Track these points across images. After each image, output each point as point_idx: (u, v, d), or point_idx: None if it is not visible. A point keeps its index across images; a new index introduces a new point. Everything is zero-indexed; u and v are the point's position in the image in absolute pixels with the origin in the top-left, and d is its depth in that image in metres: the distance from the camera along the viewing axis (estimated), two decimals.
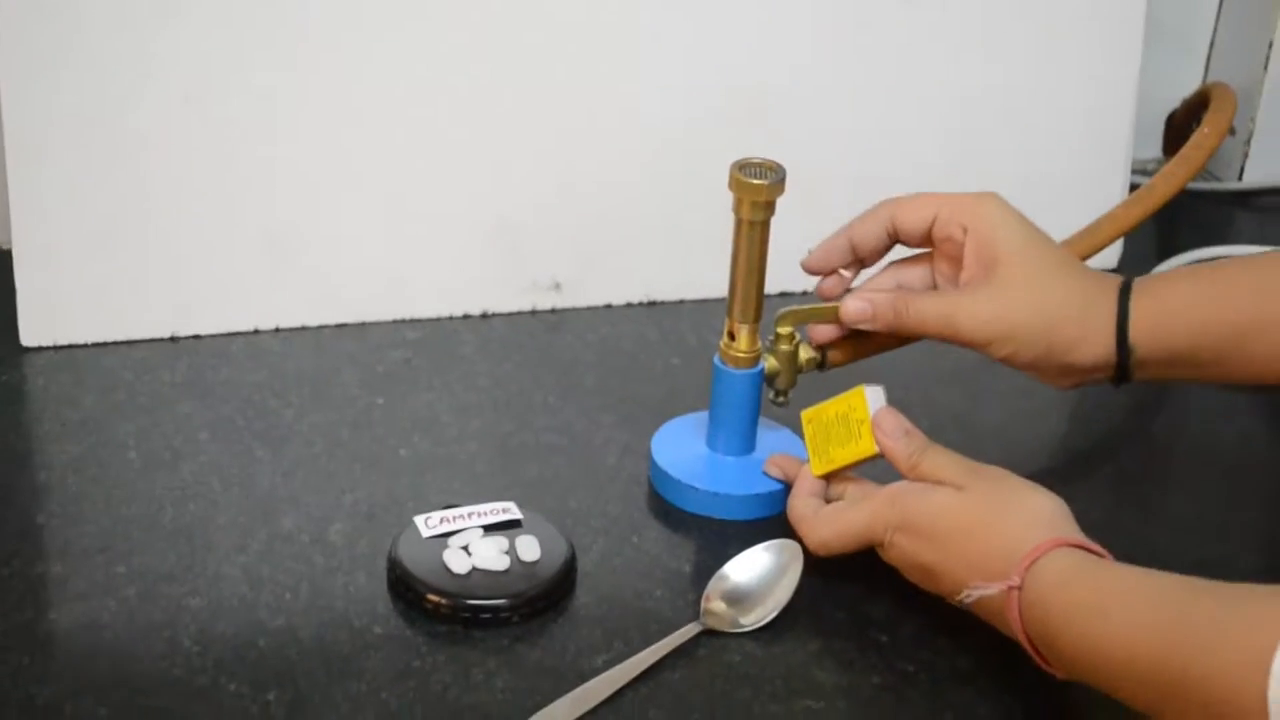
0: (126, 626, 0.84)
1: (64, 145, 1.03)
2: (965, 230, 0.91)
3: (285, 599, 0.86)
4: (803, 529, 0.89)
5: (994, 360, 0.91)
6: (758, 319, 0.94)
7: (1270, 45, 1.32)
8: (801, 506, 0.90)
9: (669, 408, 1.01)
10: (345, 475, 0.96)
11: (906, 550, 0.85)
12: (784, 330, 0.96)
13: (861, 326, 0.93)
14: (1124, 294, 0.90)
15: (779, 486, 0.95)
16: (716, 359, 0.95)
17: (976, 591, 0.80)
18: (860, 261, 0.94)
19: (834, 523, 0.88)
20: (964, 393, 1.08)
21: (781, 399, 0.97)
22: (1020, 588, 0.79)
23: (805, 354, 0.97)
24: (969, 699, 0.82)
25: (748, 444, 0.97)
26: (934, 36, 1.15)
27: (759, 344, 0.95)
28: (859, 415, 0.89)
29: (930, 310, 0.91)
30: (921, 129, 1.17)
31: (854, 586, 0.89)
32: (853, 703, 0.82)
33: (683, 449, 0.97)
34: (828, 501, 0.91)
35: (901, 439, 0.87)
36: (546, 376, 1.07)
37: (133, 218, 1.06)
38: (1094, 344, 0.89)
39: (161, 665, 0.82)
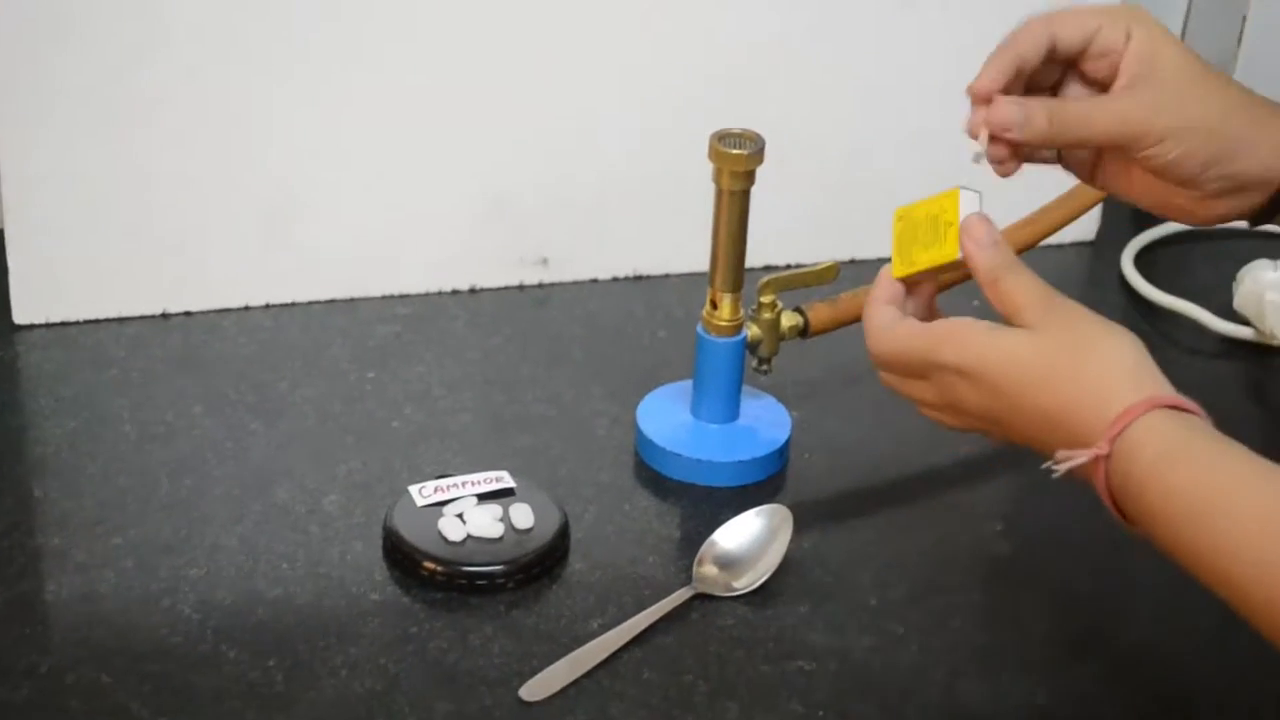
0: (125, 596, 0.86)
1: (56, 124, 1.04)
2: (1129, 36, 0.82)
3: (282, 568, 0.88)
4: (868, 338, 0.81)
5: (1154, 166, 0.82)
6: (739, 288, 0.96)
7: (1244, 20, 1.34)
8: (873, 313, 0.82)
9: (656, 379, 1.02)
10: (339, 447, 0.97)
11: (967, 398, 0.77)
12: (766, 299, 0.98)
13: (1009, 136, 0.82)
14: None
15: (763, 453, 0.96)
16: (699, 328, 0.96)
17: (1065, 464, 0.72)
18: (1023, 84, 0.84)
19: (895, 339, 0.80)
20: None
21: (764, 367, 0.99)
22: (1109, 456, 0.72)
23: (787, 322, 0.98)
24: (959, 661, 0.84)
25: (731, 411, 0.98)
26: (915, 12, 1.16)
27: (741, 312, 0.96)
28: (948, 218, 0.83)
29: (1095, 111, 0.82)
30: (901, 103, 1.18)
31: (843, 550, 0.90)
32: (843, 664, 0.83)
33: (668, 418, 0.99)
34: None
35: (988, 248, 0.80)
36: (535, 350, 1.08)
37: (124, 195, 1.06)
38: (1265, 151, 0.82)
39: (162, 633, 0.83)
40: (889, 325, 0.80)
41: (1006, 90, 0.83)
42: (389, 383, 1.04)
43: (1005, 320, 0.78)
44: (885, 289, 0.82)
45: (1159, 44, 0.82)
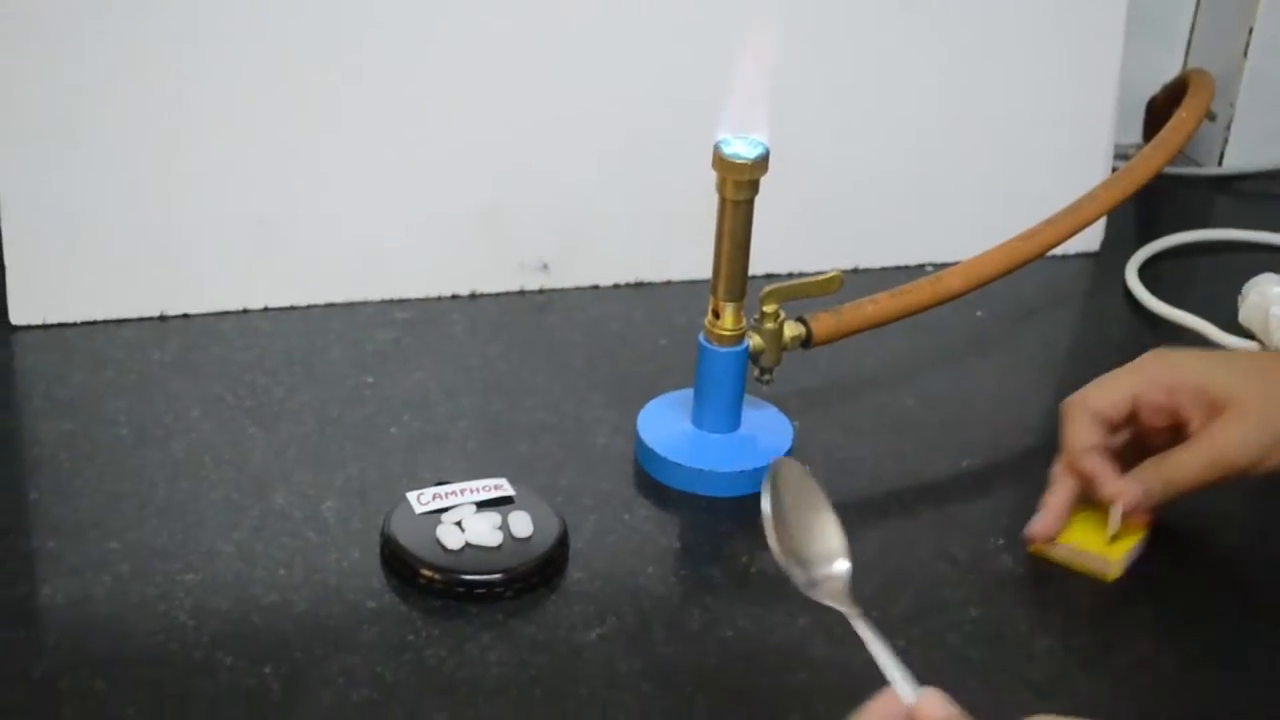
0: (121, 602, 0.85)
1: (52, 124, 1.03)
2: (1169, 390, 0.90)
3: (279, 574, 0.87)
4: None
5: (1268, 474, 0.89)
6: (742, 297, 0.95)
7: (1250, 32, 1.34)
8: None
9: (657, 387, 1.01)
10: (337, 453, 0.97)
11: None
12: (769, 309, 0.97)
13: (1137, 513, 0.90)
14: None
15: (764, 463, 0.95)
16: (701, 337, 0.96)
17: None
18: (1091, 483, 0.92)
19: None
20: (953, 373, 1.09)
21: (767, 377, 0.98)
22: None
23: (790, 332, 0.98)
24: (961, 675, 0.83)
25: (733, 421, 0.97)
26: (915, 20, 1.16)
27: (744, 322, 0.96)
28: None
29: (1194, 461, 0.89)
30: (906, 115, 1.18)
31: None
32: (844, 677, 0.83)
33: (669, 426, 0.98)
34: None
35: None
36: (535, 356, 1.07)
37: (122, 197, 1.06)
38: None
39: (157, 639, 0.82)
40: None
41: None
42: (388, 388, 1.03)
43: None
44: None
45: (1204, 380, 0.89)
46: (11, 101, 1.02)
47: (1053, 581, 0.90)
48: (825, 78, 1.15)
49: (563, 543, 0.88)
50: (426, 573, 0.86)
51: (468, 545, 0.87)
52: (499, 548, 0.87)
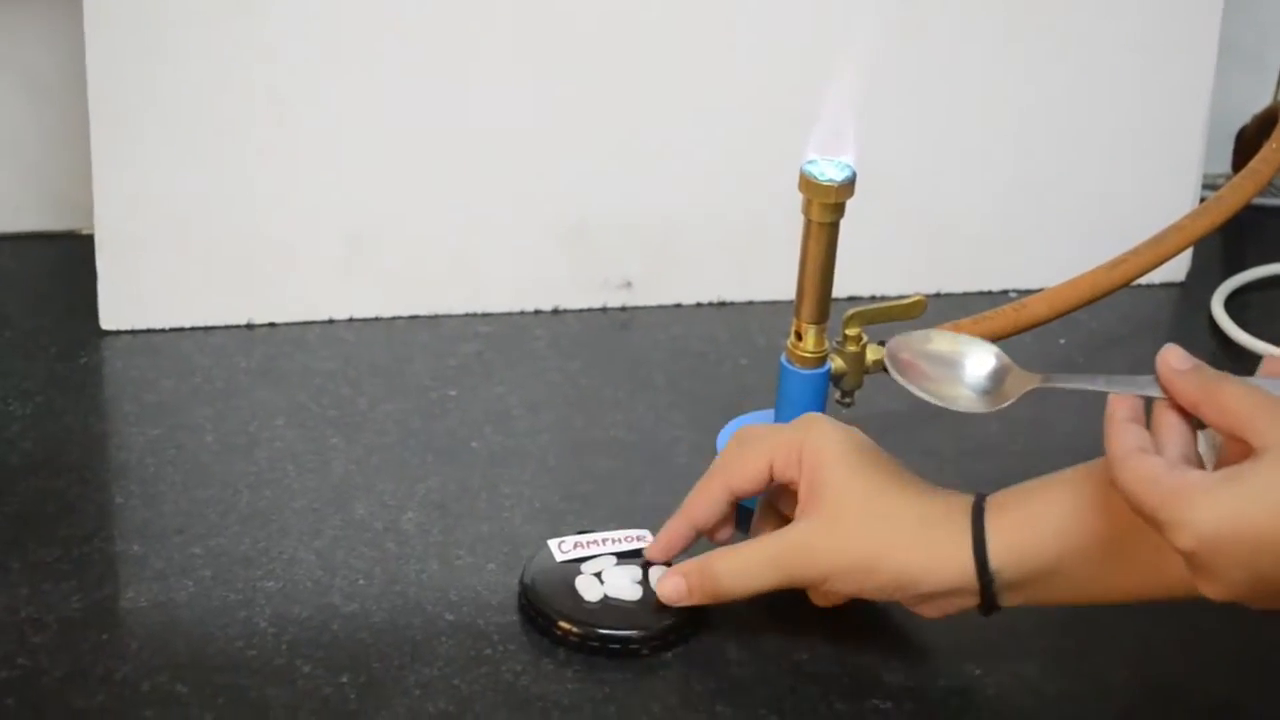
0: (203, 607, 0.86)
1: (148, 134, 1.05)
2: (800, 464, 0.84)
3: (359, 584, 0.88)
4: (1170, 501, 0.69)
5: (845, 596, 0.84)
6: (825, 319, 0.95)
7: None
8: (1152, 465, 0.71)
9: (738, 407, 1.02)
10: (418, 465, 0.97)
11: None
12: (852, 331, 0.97)
13: (678, 604, 0.85)
14: (977, 513, 0.81)
15: None
16: (783, 358, 0.96)
17: None
18: (711, 533, 0.87)
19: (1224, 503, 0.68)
20: (1035, 400, 1.08)
21: (848, 400, 0.98)
22: None
23: (873, 355, 0.97)
24: (1039, 707, 0.83)
25: None
26: (1008, 48, 1.16)
27: (826, 344, 0.96)
28: None
29: (749, 560, 0.83)
30: (993, 140, 1.17)
31: None
32: (920, 704, 0.83)
33: None
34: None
35: (1190, 371, 0.73)
36: (617, 373, 1.08)
37: (213, 207, 1.07)
38: (945, 568, 0.81)
39: (237, 645, 0.83)
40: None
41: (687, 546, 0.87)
42: (469, 401, 1.04)
43: (1228, 437, 0.71)
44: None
45: (824, 468, 0.83)
46: (108, 108, 1.04)
47: (1129, 613, 0.89)
48: (913, 102, 1.14)
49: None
50: (564, 625, 0.85)
51: (606, 597, 0.86)
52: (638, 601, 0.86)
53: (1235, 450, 0.69)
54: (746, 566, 0.83)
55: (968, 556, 0.80)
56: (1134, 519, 0.70)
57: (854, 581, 0.82)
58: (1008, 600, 0.81)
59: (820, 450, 0.84)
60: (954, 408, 0.80)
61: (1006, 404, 0.80)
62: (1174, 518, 0.67)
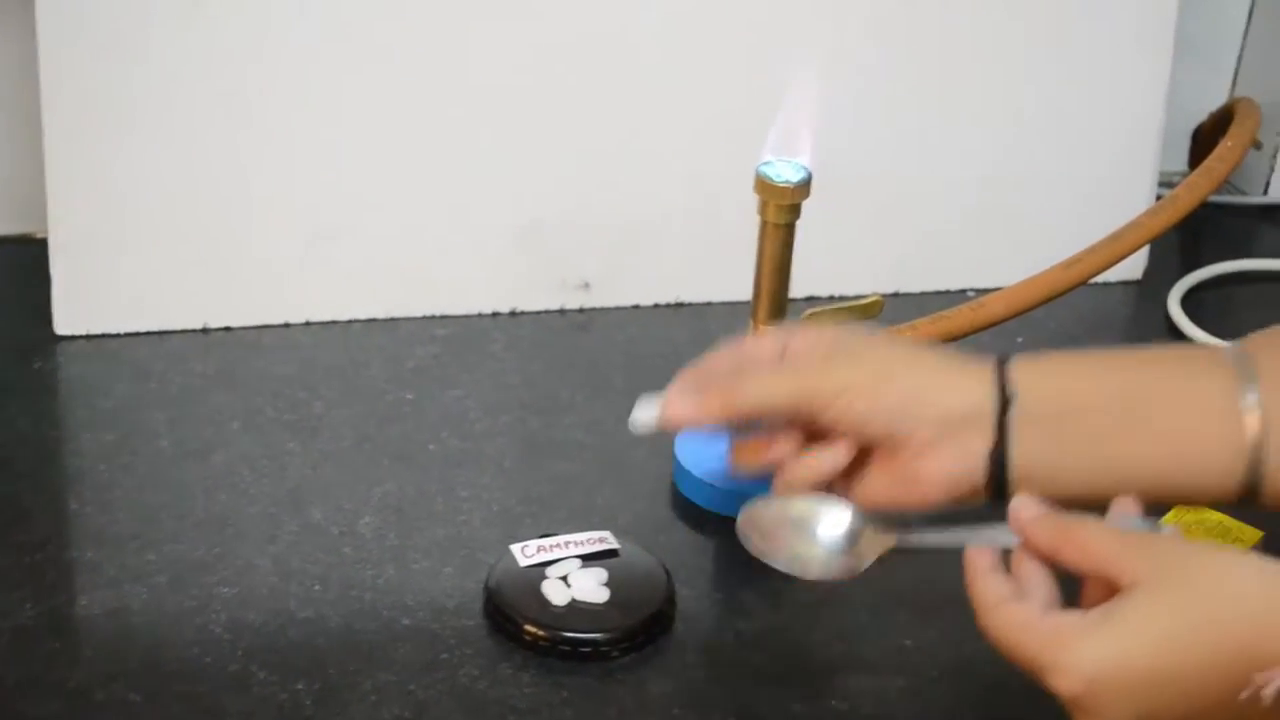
0: (158, 613, 0.85)
1: (103, 136, 1.04)
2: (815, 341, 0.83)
3: (315, 590, 0.87)
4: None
5: (842, 427, 0.80)
6: (782, 320, 0.95)
7: None
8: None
9: None
10: (374, 469, 0.97)
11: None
12: None
13: (687, 428, 0.84)
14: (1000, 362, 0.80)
15: None
16: None
17: (1272, 686, 0.64)
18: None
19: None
20: None
21: None
22: None
23: None
24: (993, 707, 0.83)
25: None
26: (965, 47, 1.16)
27: None
28: None
29: (769, 376, 0.82)
30: (950, 140, 1.18)
31: (879, 589, 0.89)
32: (878, 705, 0.83)
33: (706, 448, 0.98)
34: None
35: (1041, 519, 0.73)
36: (574, 375, 1.07)
37: (167, 210, 1.06)
38: (961, 385, 0.79)
39: (193, 652, 0.83)
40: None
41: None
42: (426, 404, 1.03)
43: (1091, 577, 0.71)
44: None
45: (845, 333, 0.82)
46: (62, 110, 1.03)
47: None
48: (868, 102, 1.14)
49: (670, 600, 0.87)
50: (533, 630, 0.84)
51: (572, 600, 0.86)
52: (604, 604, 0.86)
53: (1097, 590, 0.70)
54: (764, 376, 0.81)
55: (987, 376, 0.79)
56: (1160, 382, 0.73)
57: (867, 396, 0.79)
58: (1023, 450, 0.78)
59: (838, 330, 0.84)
60: (806, 575, 0.79)
61: (864, 567, 0.78)
62: (1055, 661, 0.67)
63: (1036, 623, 0.69)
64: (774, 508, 0.82)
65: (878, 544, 0.79)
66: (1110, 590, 0.68)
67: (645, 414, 0.84)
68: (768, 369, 0.82)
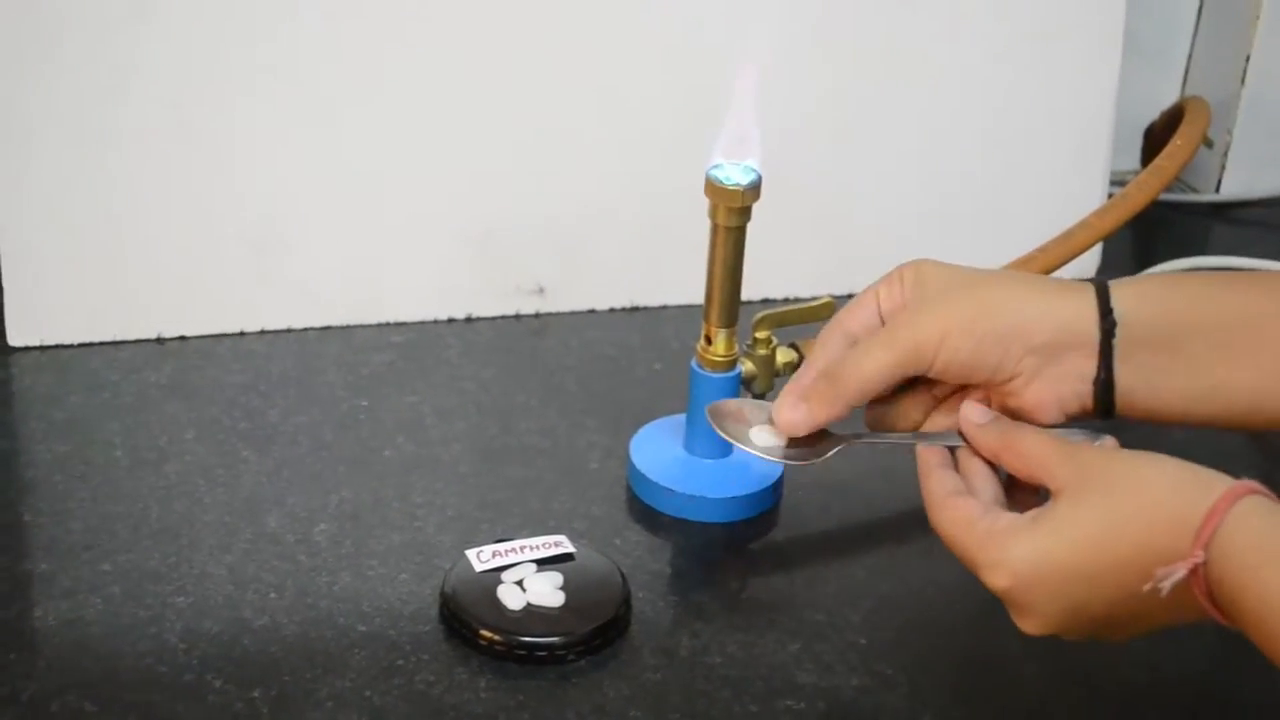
0: (112, 623, 0.85)
1: (50, 146, 1.04)
2: (901, 280, 0.83)
3: (270, 598, 0.87)
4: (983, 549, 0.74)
5: (953, 370, 0.80)
6: (734, 323, 0.95)
7: (1247, 59, 1.34)
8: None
9: (651, 411, 1.02)
10: (330, 476, 0.97)
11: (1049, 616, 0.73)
12: (761, 334, 0.97)
13: (801, 433, 0.83)
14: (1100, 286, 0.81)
15: (755, 489, 0.96)
16: (693, 362, 0.96)
17: (1167, 580, 0.68)
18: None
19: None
20: None
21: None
22: (1205, 562, 0.67)
23: (782, 358, 0.98)
24: (947, 703, 0.83)
25: (724, 447, 0.97)
26: (913, 48, 1.16)
27: (736, 348, 0.96)
28: None
29: (864, 349, 0.81)
30: (900, 140, 1.18)
31: (834, 589, 0.90)
32: (833, 704, 0.83)
33: (662, 452, 0.98)
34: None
35: (989, 424, 0.79)
36: (530, 380, 1.07)
37: (119, 220, 1.06)
38: (1064, 309, 0.79)
39: (147, 662, 0.83)
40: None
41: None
42: (382, 411, 1.03)
43: (1027, 480, 0.76)
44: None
45: (924, 268, 0.82)
46: (5, 120, 1.03)
47: None
48: (818, 104, 1.15)
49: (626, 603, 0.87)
50: (488, 634, 0.84)
51: (528, 605, 0.86)
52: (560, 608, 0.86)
53: (1032, 494, 0.76)
54: (861, 356, 0.81)
55: (1089, 297, 0.79)
56: (1258, 305, 0.77)
57: (971, 332, 0.78)
58: (1126, 372, 0.79)
59: (921, 264, 0.83)
60: (769, 458, 0.84)
61: (821, 459, 0.83)
62: (988, 559, 0.73)
63: (979, 520, 0.74)
64: (741, 403, 0.88)
65: (837, 439, 0.84)
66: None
67: (765, 441, 0.84)
68: (868, 343, 0.82)
